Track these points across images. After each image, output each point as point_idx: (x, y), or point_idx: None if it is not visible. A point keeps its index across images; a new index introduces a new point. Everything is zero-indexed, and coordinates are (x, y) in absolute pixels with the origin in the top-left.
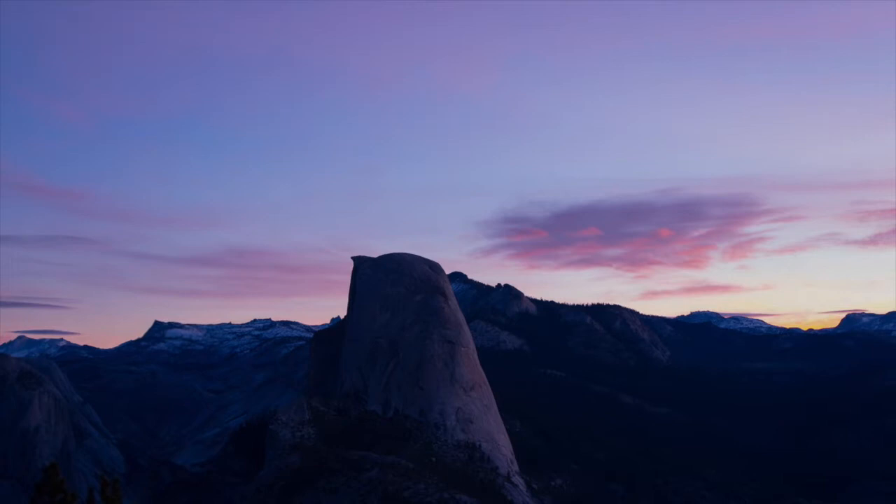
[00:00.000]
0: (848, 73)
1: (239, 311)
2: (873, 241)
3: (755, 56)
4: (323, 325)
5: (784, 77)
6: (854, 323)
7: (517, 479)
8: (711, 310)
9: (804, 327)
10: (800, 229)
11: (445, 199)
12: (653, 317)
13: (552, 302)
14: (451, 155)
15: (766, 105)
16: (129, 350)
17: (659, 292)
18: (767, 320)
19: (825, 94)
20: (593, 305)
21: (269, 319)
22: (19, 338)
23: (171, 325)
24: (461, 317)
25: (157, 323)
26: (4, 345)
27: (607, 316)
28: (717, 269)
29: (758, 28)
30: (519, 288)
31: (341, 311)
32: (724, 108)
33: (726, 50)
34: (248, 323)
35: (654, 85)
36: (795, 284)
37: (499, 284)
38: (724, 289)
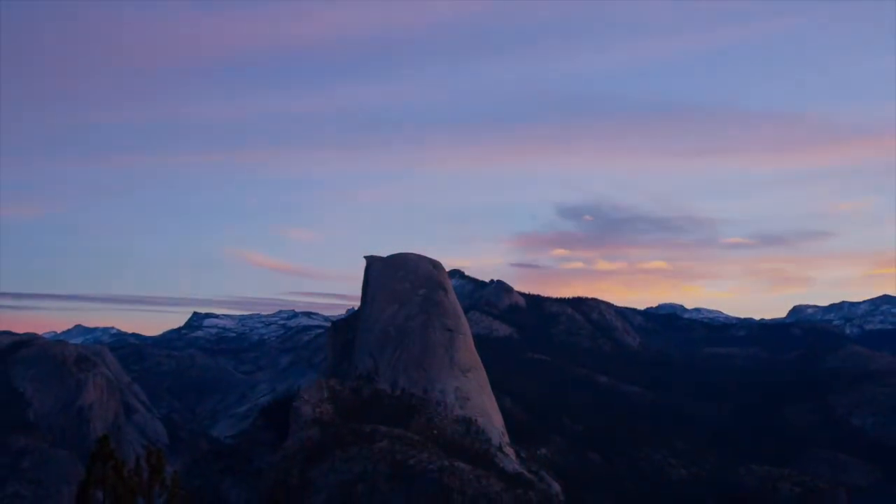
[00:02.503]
0: None
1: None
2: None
3: None
4: (340, 316)
5: None
6: (800, 314)
7: (508, 449)
8: (676, 302)
9: (757, 317)
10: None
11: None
12: (625, 308)
13: (538, 295)
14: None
15: None
16: (170, 337)
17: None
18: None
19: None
20: (574, 298)
21: (293, 311)
22: (76, 326)
23: (208, 315)
24: (459, 308)
25: (195, 314)
26: (63, 332)
27: (586, 307)
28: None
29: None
30: (509, 283)
31: (355, 303)
32: None
33: None
34: (274, 314)
35: None
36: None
37: (492, 280)
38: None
